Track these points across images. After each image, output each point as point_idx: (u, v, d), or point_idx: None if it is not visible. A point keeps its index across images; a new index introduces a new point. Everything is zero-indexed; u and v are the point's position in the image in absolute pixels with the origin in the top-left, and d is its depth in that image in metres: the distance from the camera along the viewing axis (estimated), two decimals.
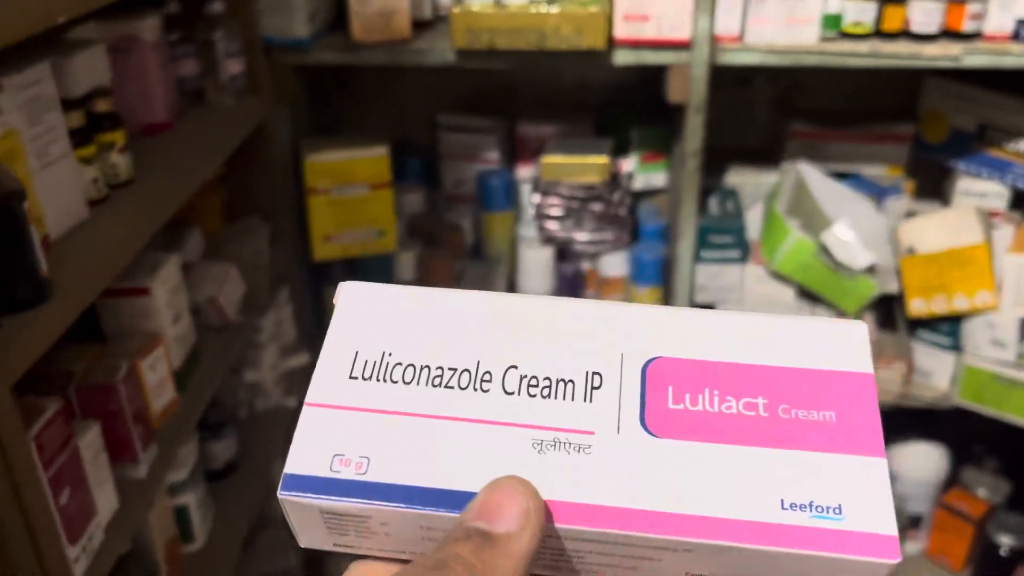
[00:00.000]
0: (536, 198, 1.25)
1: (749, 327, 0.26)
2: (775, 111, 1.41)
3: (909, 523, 1.47)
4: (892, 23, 1.06)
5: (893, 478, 1.46)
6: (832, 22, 1.07)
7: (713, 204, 1.27)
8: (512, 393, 0.25)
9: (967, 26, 1.05)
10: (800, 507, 0.22)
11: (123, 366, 0.78)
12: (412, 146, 1.44)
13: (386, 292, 0.28)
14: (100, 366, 0.79)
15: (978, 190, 1.29)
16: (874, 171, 1.37)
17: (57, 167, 0.74)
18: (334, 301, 0.27)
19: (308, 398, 0.25)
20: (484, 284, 1.30)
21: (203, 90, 1.07)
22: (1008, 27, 1.05)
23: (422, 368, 0.26)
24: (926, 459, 1.44)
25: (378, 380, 0.25)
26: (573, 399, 0.25)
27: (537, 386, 0.25)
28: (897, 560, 0.22)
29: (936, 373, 1.25)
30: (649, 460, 0.23)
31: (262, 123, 1.13)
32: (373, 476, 0.24)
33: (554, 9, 1.03)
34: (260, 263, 1.14)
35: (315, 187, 1.21)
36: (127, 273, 0.85)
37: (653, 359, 0.25)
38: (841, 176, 1.35)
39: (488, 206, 1.37)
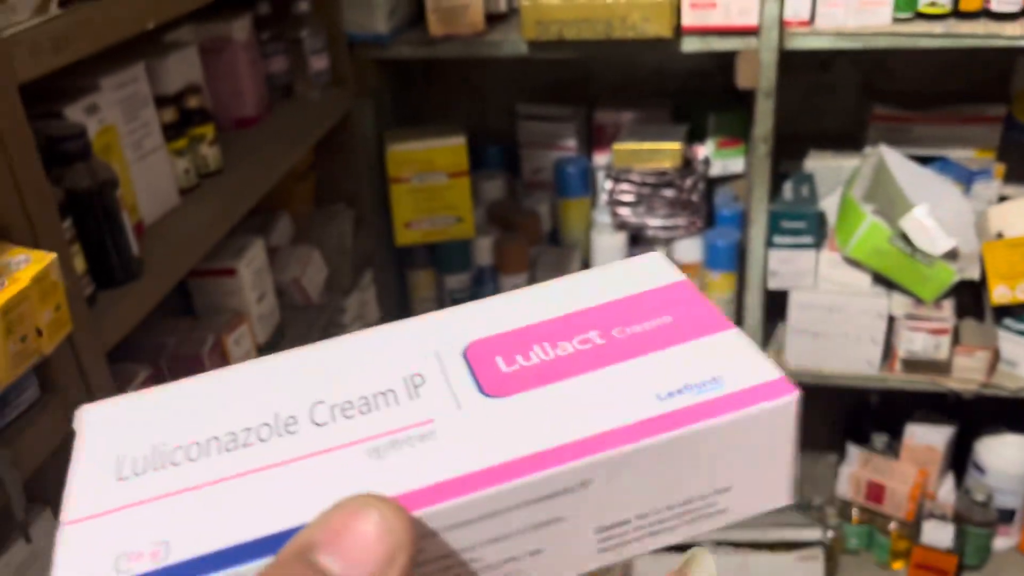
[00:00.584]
0: (608, 184, 1.28)
1: (550, 289, 0.25)
2: (858, 94, 1.39)
3: (1000, 517, 1.43)
4: (971, 2, 1.04)
5: (981, 468, 1.42)
6: (907, 3, 1.05)
7: (787, 189, 1.27)
8: (325, 424, 0.21)
9: None
10: (677, 392, 0.21)
11: (209, 340, 0.86)
12: (493, 135, 1.49)
13: (136, 398, 0.23)
14: (190, 339, 0.86)
15: None
16: (962, 154, 1.33)
17: (151, 159, 0.82)
18: (74, 427, 0.22)
19: (65, 518, 0.20)
20: (559, 269, 1.33)
21: (292, 85, 1.14)
22: None
23: (209, 440, 0.21)
24: (1015, 451, 1.40)
25: (156, 470, 0.20)
26: (399, 404, 0.21)
27: (353, 407, 0.21)
28: (794, 393, 0.20)
29: (1022, 362, 1.21)
30: (503, 418, 0.20)
31: (347, 115, 1.20)
32: (177, 556, 0.18)
33: (622, 0, 1.06)
34: (344, 247, 1.21)
35: (397, 175, 1.27)
36: (215, 255, 0.93)
37: (469, 343, 0.23)
38: (926, 160, 1.32)
39: (564, 192, 1.40)
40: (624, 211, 1.27)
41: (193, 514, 0.19)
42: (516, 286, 1.33)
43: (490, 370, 0.22)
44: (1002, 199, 1.30)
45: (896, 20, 1.06)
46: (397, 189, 1.28)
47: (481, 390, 0.21)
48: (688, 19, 1.08)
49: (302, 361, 0.23)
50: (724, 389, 0.21)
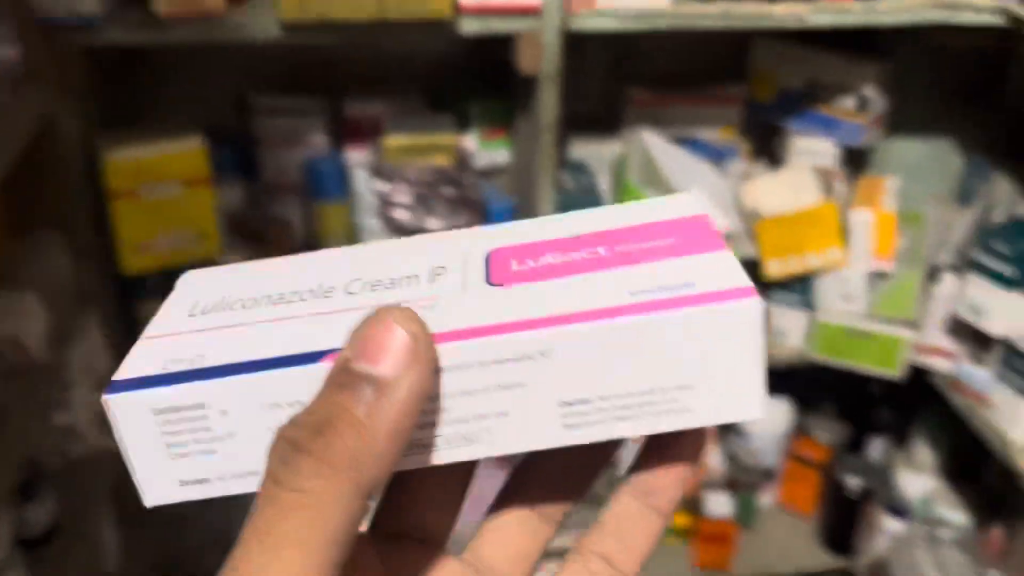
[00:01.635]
0: (379, 185, 1.14)
1: (578, 216, 0.27)
2: (608, 77, 1.37)
3: (762, 476, 1.51)
4: None
5: (744, 434, 1.49)
6: None
7: (567, 179, 1.21)
8: (355, 294, 0.25)
9: None
10: (649, 291, 0.22)
11: None
12: (223, 133, 1.27)
13: (228, 268, 0.28)
14: None
15: (811, 148, 1.32)
16: (710, 135, 1.37)
17: None
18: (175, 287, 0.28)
19: (144, 334, 0.25)
20: None
21: None
22: None
23: (263, 296, 0.25)
24: (772, 412, 1.48)
25: (217, 311, 0.25)
26: (418, 285, 0.24)
27: (380, 285, 0.25)
28: (757, 298, 0.21)
29: (791, 332, 1.27)
30: (495, 299, 0.23)
31: (46, 119, 0.94)
32: (207, 363, 0.22)
33: None
34: (61, 285, 0.95)
35: (118, 189, 1.03)
36: None
37: (493, 248, 0.26)
38: (681, 142, 1.33)
39: (318, 196, 1.23)
40: (400, 213, 1.14)
41: (231, 339, 0.24)
42: None
43: (502, 267, 0.25)
44: (747, 176, 1.35)
45: (676, 1, 1.03)
46: (120, 206, 1.04)
47: (488, 280, 0.24)
48: None
49: (359, 252, 0.27)
50: (693, 290, 0.22)
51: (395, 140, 1.12)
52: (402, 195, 1.12)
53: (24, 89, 0.90)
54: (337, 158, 1.24)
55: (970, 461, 1.42)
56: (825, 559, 1.51)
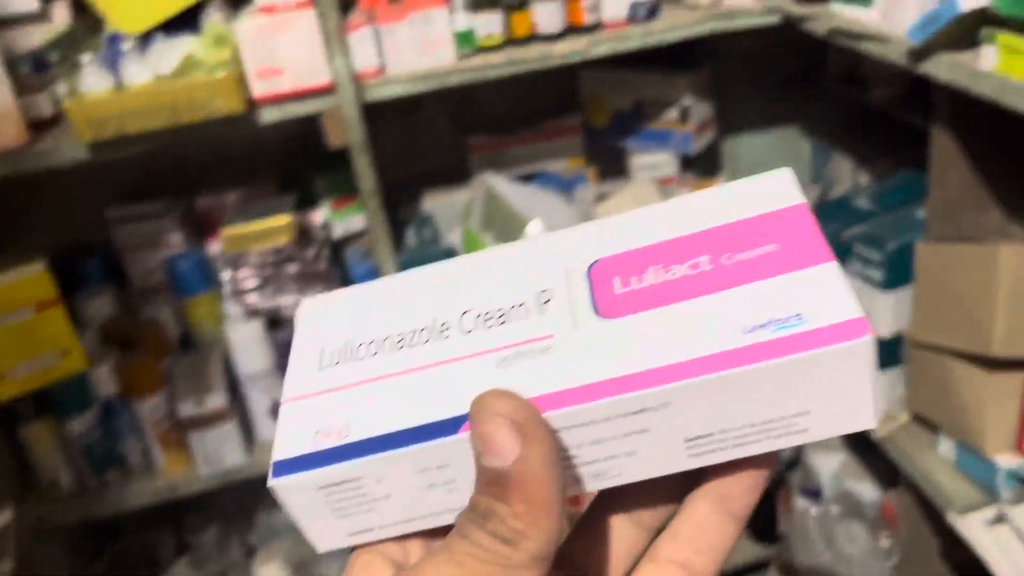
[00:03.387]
0: (227, 274, 1.18)
1: (676, 208, 0.27)
2: (451, 129, 1.42)
3: None
4: (520, 29, 1.09)
5: None
6: (466, 39, 1.08)
7: (411, 236, 1.26)
8: (471, 331, 0.26)
9: (588, 19, 1.10)
10: (761, 327, 0.23)
11: None
12: (85, 247, 1.32)
13: (340, 295, 0.30)
14: None
15: (650, 162, 1.37)
16: (558, 166, 1.42)
17: None
18: (295, 321, 0.30)
19: (283, 397, 0.27)
20: (198, 376, 1.21)
21: None
22: (623, 13, 1.11)
23: (384, 339, 0.27)
24: None
25: (345, 363, 0.27)
26: (528, 317, 0.25)
27: (492, 318, 0.26)
28: (869, 335, 0.22)
29: None
30: (610, 338, 0.24)
31: None
32: (355, 436, 0.24)
33: (179, 82, 0.97)
34: None
35: None
36: None
37: (594, 262, 0.26)
38: (530, 178, 1.38)
39: (184, 292, 1.28)
40: (251, 297, 1.19)
41: (370, 402, 0.25)
42: (154, 407, 1.19)
43: (606, 291, 0.25)
44: (602, 197, 1.40)
45: (461, 57, 1.09)
46: None
47: (596, 311, 0.25)
48: (258, 90, 1.02)
49: (462, 266, 0.28)
50: (805, 326, 0.22)
51: (232, 230, 1.16)
52: (249, 280, 1.17)
53: None
54: (196, 253, 1.29)
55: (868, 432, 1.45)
56: (755, 550, 1.54)
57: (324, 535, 0.26)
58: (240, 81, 1.00)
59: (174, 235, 1.31)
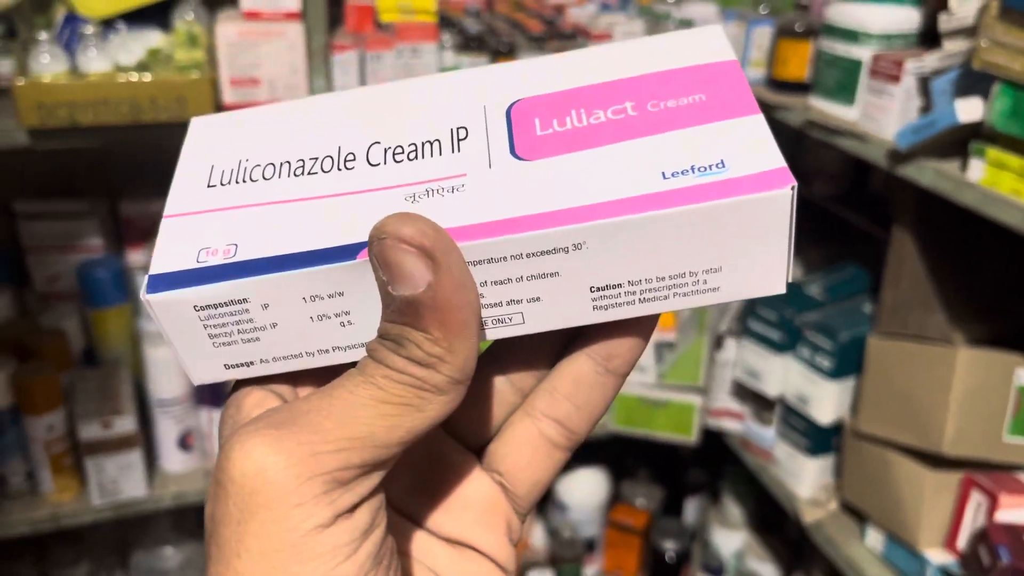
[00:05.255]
0: None
1: (602, 54, 0.26)
2: None
3: (584, 548, 1.52)
4: None
5: (563, 507, 1.50)
6: None
7: None
8: (378, 164, 0.24)
9: None
10: (682, 172, 0.22)
11: None
12: None
13: (237, 115, 0.27)
14: None
15: None
16: None
17: None
18: (185, 136, 0.27)
19: (166, 212, 0.25)
20: (102, 396, 1.10)
21: None
22: None
23: (282, 164, 0.25)
24: (588, 483, 1.50)
25: (237, 183, 0.25)
26: (441, 154, 0.24)
27: (403, 152, 0.24)
28: (792, 185, 0.21)
29: None
30: (526, 179, 0.23)
31: None
32: (243, 256, 0.23)
33: (147, 77, 0.90)
34: None
35: None
36: None
37: (515, 101, 0.25)
38: None
39: (96, 302, 1.17)
40: None
41: (262, 225, 0.23)
42: (49, 426, 1.07)
43: (526, 132, 0.24)
44: None
45: None
46: None
47: (513, 151, 0.24)
48: (230, 97, 0.95)
49: (372, 97, 0.26)
50: (726, 173, 0.21)
51: None
52: None
53: None
54: (115, 261, 1.19)
55: (774, 513, 1.48)
56: None
57: (200, 365, 0.24)
58: (213, 85, 0.93)
59: (92, 239, 1.20)
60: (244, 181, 0.25)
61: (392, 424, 0.21)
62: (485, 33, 1.06)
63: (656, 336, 1.24)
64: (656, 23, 1.16)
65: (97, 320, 1.17)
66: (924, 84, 0.93)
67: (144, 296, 0.22)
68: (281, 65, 0.95)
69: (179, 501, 1.14)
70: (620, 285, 0.22)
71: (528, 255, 0.22)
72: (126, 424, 1.07)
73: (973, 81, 0.85)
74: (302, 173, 0.24)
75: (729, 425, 1.29)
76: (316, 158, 0.25)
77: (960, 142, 0.87)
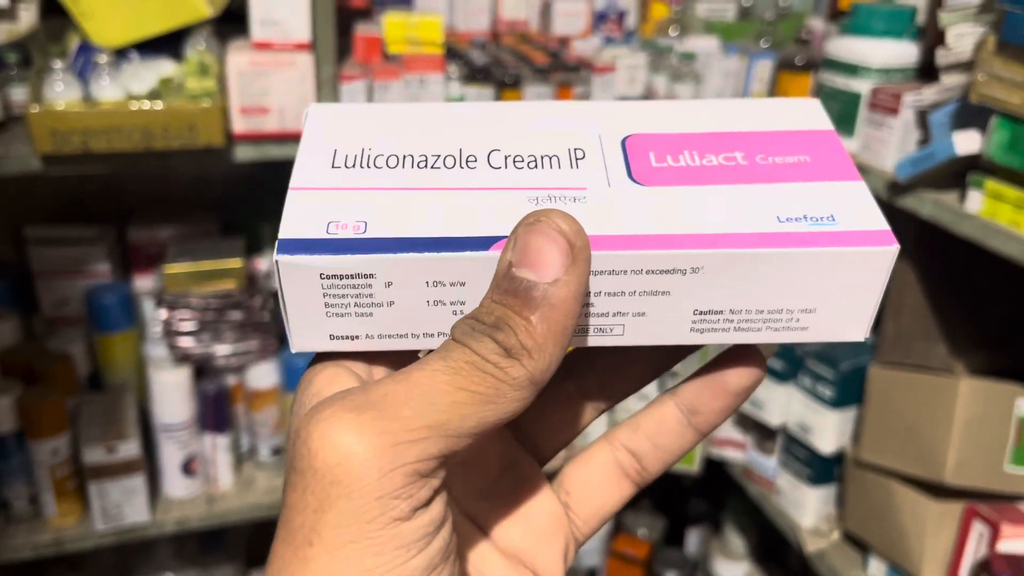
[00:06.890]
0: (162, 313, 1.10)
1: (715, 107, 0.28)
2: None
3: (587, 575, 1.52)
4: None
5: None
6: None
7: None
8: (499, 168, 0.25)
9: None
10: (795, 219, 0.23)
11: None
12: None
13: (355, 107, 0.28)
14: None
15: None
16: None
17: None
18: (302, 124, 0.27)
19: (292, 184, 0.25)
20: (108, 420, 1.10)
21: None
22: None
23: (405, 156, 0.26)
24: None
25: (361, 167, 0.25)
26: (560, 168, 0.25)
27: (523, 161, 0.25)
28: (895, 246, 0.23)
29: (588, 434, 1.30)
30: (645, 202, 0.24)
31: None
32: (374, 233, 0.23)
33: (159, 105, 0.91)
34: None
35: None
36: None
37: (630, 135, 0.26)
38: None
39: (102, 327, 1.17)
40: (185, 341, 1.10)
41: (391, 206, 0.24)
42: (54, 450, 1.07)
43: (641, 161, 0.25)
44: None
45: None
46: None
47: (631, 175, 0.25)
48: (239, 126, 0.97)
49: (487, 112, 0.28)
50: (836, 226, 0.23)
51: (176, 267, 1.09)
52: (186, 323, 1.09)
53: None
54: (122, 287, 1.20)
55: (776, 543, 1.48)
56: None
57: (305, 333, 0.24)
58: (224, 113, 0.94)
59: (99, 264, 1.21)
60: (368, 167, 0.25)
61: (464, 413, 0.21)
62: (491, 65, 1.08)
63: None
64: (659, 56, 1.18)
65: (103, 345, 1.18)
66: (922, 117, 0.95)
67: (276, 256, 0.23)
68: (290, 94, 0.96)
69: (182, 527, 1.14)
70: (722, 312, 0.24)
71: (648, 271, 0.23)
72: (130, 449, 1.08)
73: (970, 114, 0.86)
74: (425, 166, 0.25)
75: (731, 454, 1.29)
76: (438, 155, 0.26)
77: (958, 174, 0.89)
